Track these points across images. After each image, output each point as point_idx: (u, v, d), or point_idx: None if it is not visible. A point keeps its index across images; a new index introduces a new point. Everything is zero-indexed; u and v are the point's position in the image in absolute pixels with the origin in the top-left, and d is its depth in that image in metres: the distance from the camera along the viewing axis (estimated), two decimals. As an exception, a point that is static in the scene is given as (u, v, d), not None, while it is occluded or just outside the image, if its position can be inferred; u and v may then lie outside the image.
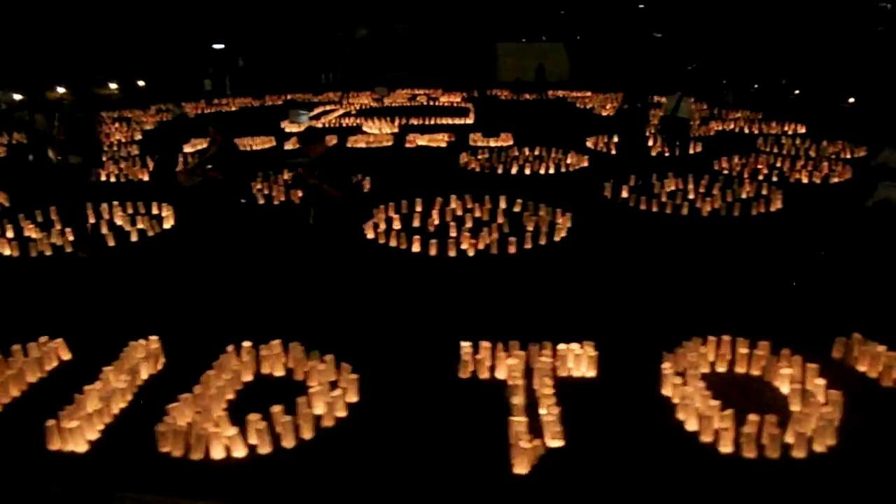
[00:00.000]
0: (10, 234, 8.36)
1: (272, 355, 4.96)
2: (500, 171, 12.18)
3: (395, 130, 17.81)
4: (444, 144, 15.42)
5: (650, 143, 14.37)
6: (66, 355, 5.19)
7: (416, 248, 7.63)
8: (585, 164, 12.76)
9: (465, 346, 4.89)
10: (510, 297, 6.32)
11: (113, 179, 12.02)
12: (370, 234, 8.18)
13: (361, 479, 3.77)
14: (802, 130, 16.99)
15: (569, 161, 12.80)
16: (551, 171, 12.20)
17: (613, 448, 4.01)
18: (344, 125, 19.18)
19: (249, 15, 42.46)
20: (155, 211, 9.31)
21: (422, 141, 15.69)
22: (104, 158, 12.92)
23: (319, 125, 18.87)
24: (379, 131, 17.71)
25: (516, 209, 9.18)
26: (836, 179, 11.44)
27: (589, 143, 14.95)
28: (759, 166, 12.20)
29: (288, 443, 4.07)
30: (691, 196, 10.03)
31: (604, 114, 21.04)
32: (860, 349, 4.98)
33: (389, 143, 15.80)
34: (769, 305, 6.09)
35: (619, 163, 12.64)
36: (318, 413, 4.29)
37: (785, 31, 39.30)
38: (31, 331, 5.27)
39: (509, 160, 12.74)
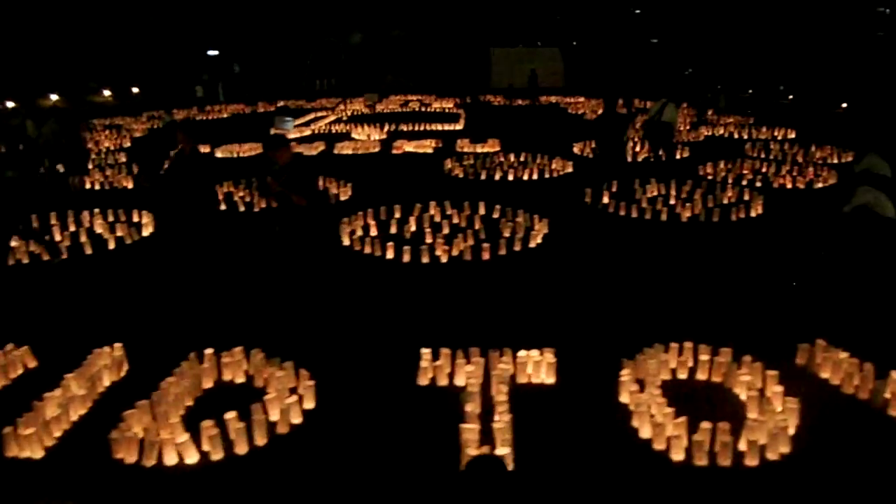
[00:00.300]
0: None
1: (233, 362, 4.96)
2: (483, 176, 12.17)
3: (384, 137, 17.84)
4: (430, 150, 15.43)
5: (637, 148, 14.37)
6: (32, 363, 5.20)
7: (389, 254, 7.63)
8: (570, 169, 12.76)
9: (425, 352, 4.89)
10: (477, 304, 6.32)
11: (98, 187, 12.02)
12: (346, 241, 8.18)
13: (312, 487, 3.77)
14: (792, 136, 17.03)
15: (553, 167, 12.80)
16: (535, 176, 12.21)
17: (564, 456, 3.99)
18: (333, 131, 19.22)
19: (244, 22, 42.62)
20: (136, 218, 9.32)
21: (409, 147, 15.69)
22: (90, 166, 13.03)
23: (309, 132, 18.94)
24: (367, 138, 17.71)
25: (495, 215, 9.18)
26: (820, 185, 11.44)
27: (576, 149, 14.94)
28: (744, 171, 12.22)
29: (241, 449, 4.08)
30: (672, 201, 10.03)
31: (592, 118, 21.06)
32: (823, 356, 4.99)
33: (376, 150, 15.79)
34: (736, 312, 6.08)
35: (597, 167, 12.62)
36: (272, 420, 4.29)
37: (783, 36, 39.42)
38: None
39: (494, 166, 12.74)
